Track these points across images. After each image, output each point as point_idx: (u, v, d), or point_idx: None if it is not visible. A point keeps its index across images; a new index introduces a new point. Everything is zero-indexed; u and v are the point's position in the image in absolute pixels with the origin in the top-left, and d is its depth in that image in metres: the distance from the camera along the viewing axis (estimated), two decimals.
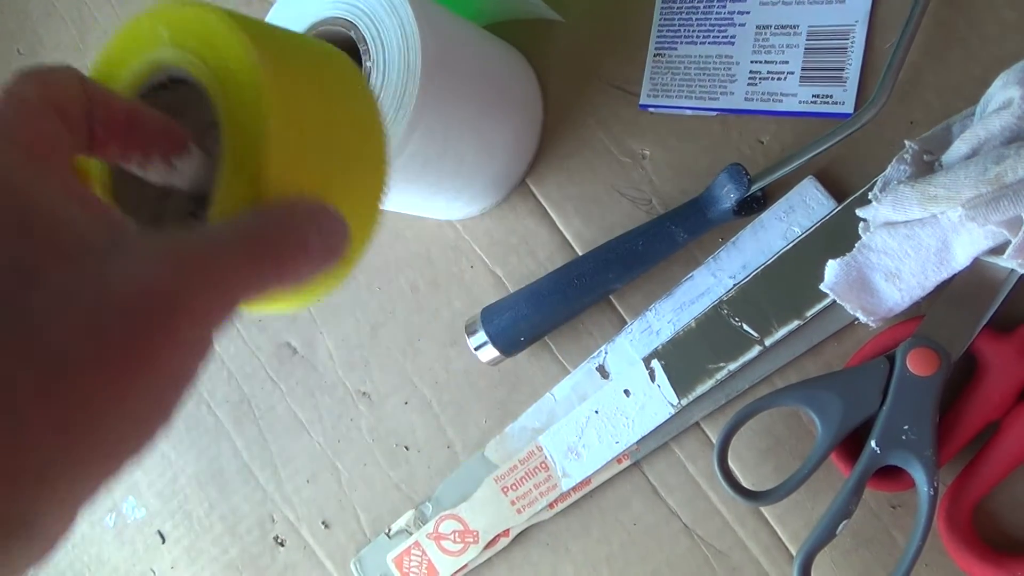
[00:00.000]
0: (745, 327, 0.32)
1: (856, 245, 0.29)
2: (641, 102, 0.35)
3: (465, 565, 0.37)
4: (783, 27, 0.33)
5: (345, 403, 0.42)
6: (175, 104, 0.23)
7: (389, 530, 0.40)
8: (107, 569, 0.50)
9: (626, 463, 0.35)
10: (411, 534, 0.39)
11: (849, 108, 0.31)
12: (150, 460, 0.48)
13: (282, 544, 0.44)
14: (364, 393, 0.42)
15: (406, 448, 0.40)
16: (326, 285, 0.23)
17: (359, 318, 0.42)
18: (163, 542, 0.48)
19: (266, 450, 0.45)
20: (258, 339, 0.45)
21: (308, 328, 0.43)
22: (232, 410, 0.46)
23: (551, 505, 0.36)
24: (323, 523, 0.42)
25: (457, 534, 0.38)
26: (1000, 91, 0.27)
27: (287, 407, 0.44)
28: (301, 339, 0.44)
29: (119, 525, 0.50)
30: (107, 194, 0.22)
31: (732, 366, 0.32)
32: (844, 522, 0.29)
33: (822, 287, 0.29)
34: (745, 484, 0.32)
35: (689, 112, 0.34)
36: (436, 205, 0.36)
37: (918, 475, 0.28)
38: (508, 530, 0.37)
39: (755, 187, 0.31)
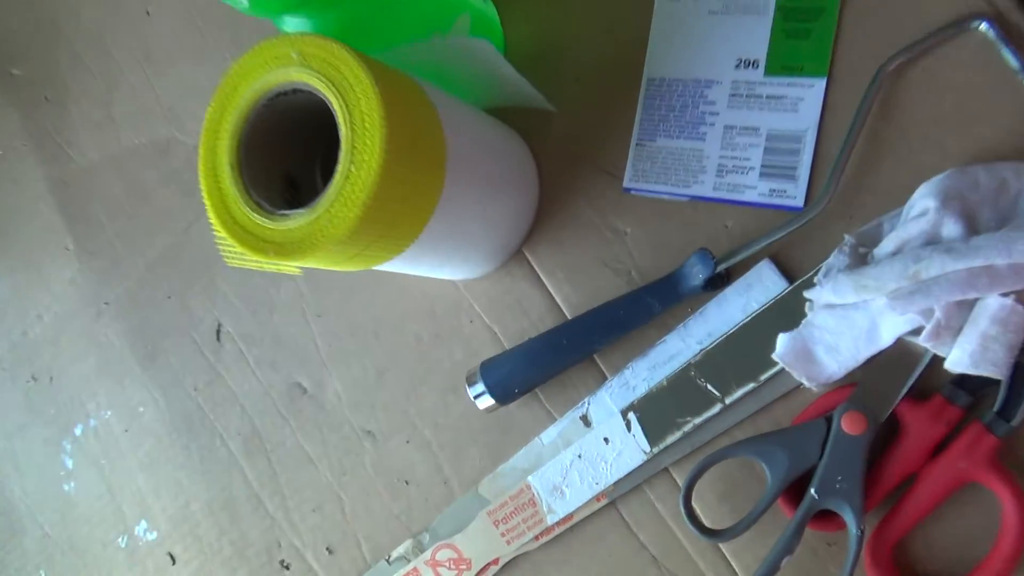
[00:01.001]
0: (709, 387, 0.37)
1: (803, 321, 0.35)
2: (624, 185, 0.40)
3: None
4: (747, 129, 0.38)
5: (351, 440, 0.47)
6: (292, 106, 0.33)
7: (389, 557, 0.44)
8: None
9: (604, 502, 0.39)
10: (409, 561, 0.43)
11: (800, 202, 0.37)
12: (163, 487, 0.52)
13: (287, 567, 0.48)
14: (369, 432, 0.46)
15: (406, 483, 0.45)
16: (391, 253, 0.34)
17: (366, 364, 0.46)
18: (173, 563, 0.52)
19: (275, 481, 0.49)
20: (271, 378, 0.49)
21: (318, 370, 0.48)
22: (244, 443, 0.50)
23: (536, 537, 0.40)
24: (327, 549, 0.47)
25: (452, 561, 0.42)
26: (920, 199, 0.33)
27: (296, 442, 0.48)
28: (311, 380, 0.48)
29: (131, 547, 0.53)
30: (235, 173, 0.32)
31: (697, 420, 0.37)
32: (787, 557, 0.34)
33: (774, 356, 0.35)
34: (706, 523, 0.37)
35: (665, 196, 0.39)
36: (442, 271, 0.41)
37: (849, 518, 0.33)
38: (498, 559, 0.41)
39: (720, 267, 0.36)
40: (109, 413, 0.55)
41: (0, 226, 0.61)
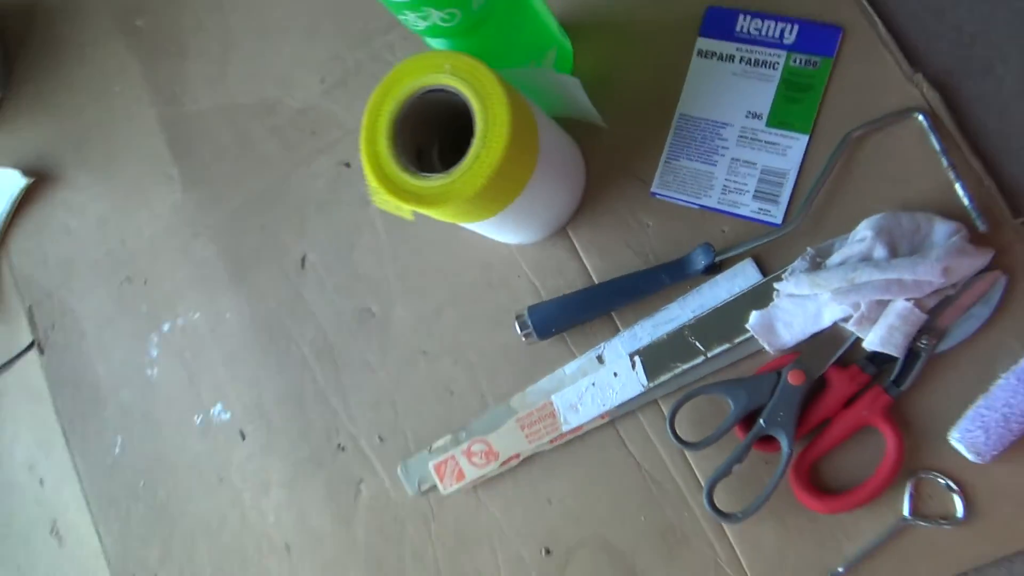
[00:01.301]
0: (696, 343, 0.51)
1: (770, 304, 0.49)
2: (652, 190, 0.54)
3: (485, 475, 0.55)
4: (747, 163, 0.52)
5: (407, 356, 0.59)
6: (433, 101, 0.45)
7: (431, 447, 0.57)
8: (189, 455, 0.65)
9: (606, 420, 0.53)
10: (448, 450, 0.56)
11: (779, 221, 0.51)
12: (241, 379, 0.64)
13: (343, 449, 0.60)
14: (424, 351, 0.59)
15: (451, 393, 0.58)
16: (489, 213, 0.46)
17: (428, 299, 0.59)
18: (243, 439, 0.64)
19: (339, 382, 0.61)
20: (345, 302, 0.62)
21: (387, 300, 0.61)
22: (316, 351, 0.62)
23: (552, 441, 0.54)
24: (379, 437, 0.59)
25: (483, 453, 0.55)
26: (862, 230, 0.47)
27: (361, 354, 0.61)
28: (380, 307, 0.61)
29: (205, 424, 0.65)
30: (390, 143, 0.44)
31: (685, 366, 0.51)
32: (737, 466, 0.48)
33: (747, 326, 0.49)
34: (685, 440, 0.51)
35: (681, 203, 0.53)
36: (508, 235, 0.54)
37: (783, 442, 0.47)
38: (519, 454, 0.55)
39: (717, 258, 0.50)
40: (197, 315, 0.66)
41: (111, 151, 0.72)
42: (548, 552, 0.54)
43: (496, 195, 0.45)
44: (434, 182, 0.43)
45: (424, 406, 0.58)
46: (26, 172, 0.73)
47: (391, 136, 0.45)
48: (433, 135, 0.49)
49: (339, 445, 0.61)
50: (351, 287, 0.62)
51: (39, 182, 0.73)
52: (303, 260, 0.63)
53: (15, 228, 0.74)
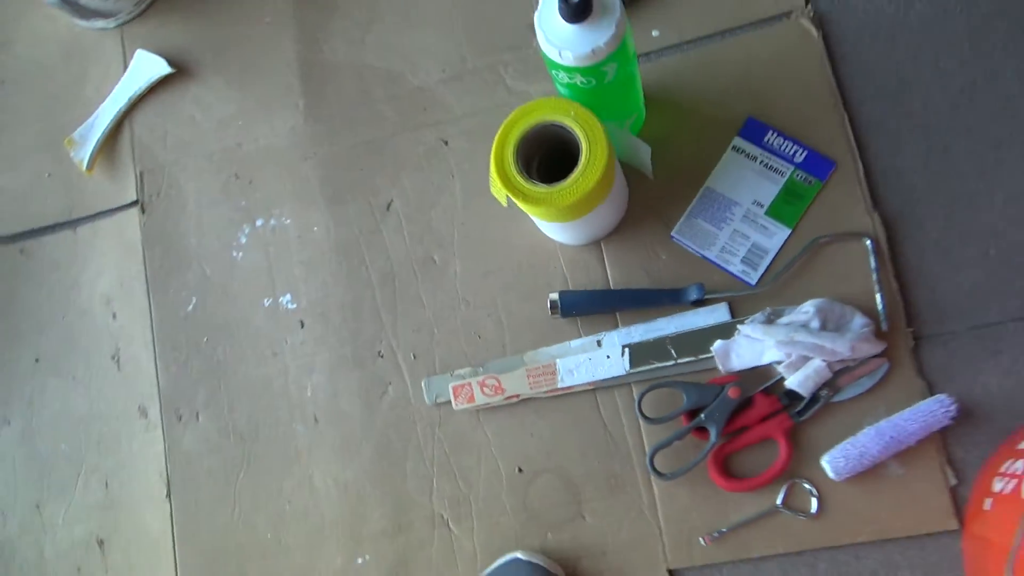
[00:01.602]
0: (672, 350, 0.70)
1: (731, 338, 0.68)
2: (672, 233, 0.73)
3: (489, 403, 0.73)
4: (743, 235, 0.71)
5: (452, 301, 0.77)
6: (546, 133, 0.61)
7: (453, 372, 0.75)
8: (251, 328, 0.81)
9: (590, 388, 0.72)
10: (465, 378, 0.74)
11: (754, 282, 0.70)
12: (312, 280, 0.80)
13: (382, 356, 0.77)
14: (466, 300, 0.76)
15: (479, 336, 0.75)
16: (567, 219, 0.63)
17: (480, 263, 0.77)
18: (302, 327, 0.80)
19: (393, 305, 0.78)
20: (415, 247, 0.78)
21: (449, 254, 0.78)
22: (381, 276, 0.79)
23: (547, 392, 0.72)
24: (413, 355, 0.77)
25: (493, 387, 0.73)
26: (807, 306, 0.67)
27: (416, 289, 0.78)
28: (441, 258, 0.78)
29: (272, 308, 0.81)
30: (514, 157, 0.60)
31: (659, 364, 0.70)
32: (676, 442, 0.67)
33: (711, 348, 0.68)
34: (647, 414, 0.70)
35: (690, 249, 0.72)
36: (557, 235, 0.72)
37: (712, 434, 0.67)
38: (519, 395, 0.73)
39: (704, 296, 0.70)
40: (288, 221, 0.82)
41: (248, 68, 0.86)
42: (520, 471, 0.73)
43: (577, 209, 0.62)
44: (540, 188, 0.61)
45: (455, 341, 0.76)
46: (170, 63, 0.87)
47: (516, 148, 0.62)
48: (538, 152, 0.66)
49: (379, 352, 0.78)
50: (422, 236, 0.79)
51: (178, 73, 0.88)
52: (389, 204, 0.80)
53: (146, 104, 0.88)
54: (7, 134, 0.92)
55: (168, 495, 0.80)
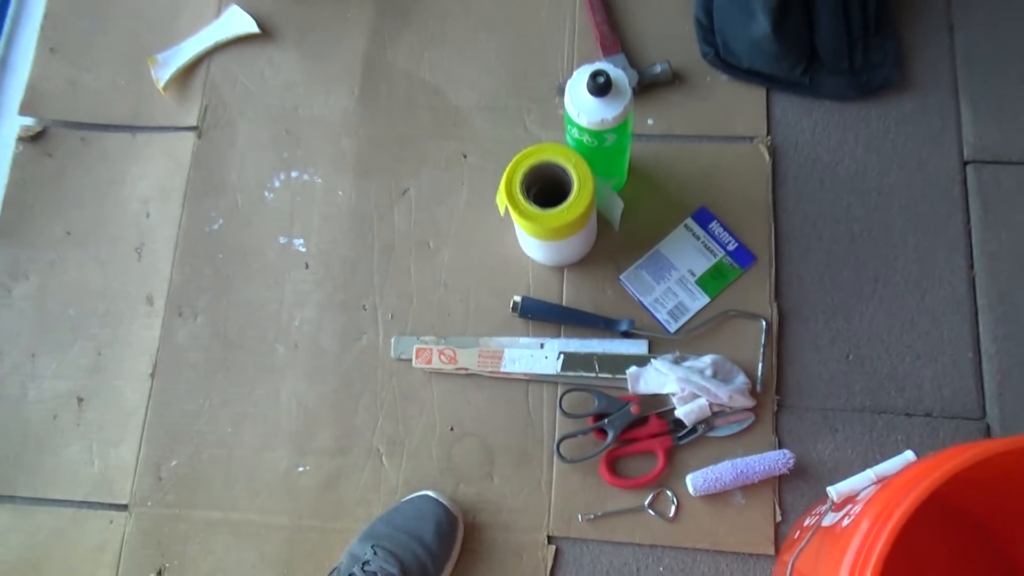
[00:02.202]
0: (596, 364, 0.87)
1: (645, 367, 0.86)
2: (620, 276, 0.91)
3: (442, 369, 0.89)
4: (674, 293, 0.90)
5: (436, 283, 0.93)
6: (551, 169, 0.78)
7: (419, 337, 0.91)
8: (262, 258, 0.96)
9: (525, 379, 0.89)
10: (429, 344, 0.90)
11: (672, 331, 0.89)
12: (324, 232, 0.96)
13: (365, 309, 0.93)
14: (446, 284, 0.93)
15: (448, 315, 0.92)
16: (549, 239, 0.81)
17: (466, 257, 0.93)
18: (306, 268, 0.95)
19: (386, 272, 0.94)
20: (417, 230, 0.95)
21: (442, 242, 0.94)
22: (382, 245, 0.95)
23: (490, 372, 0.89)
24: (391, 315, 0.92)
25: (449, 357, 0.90)
26: (706, 357, 0.85)
27: (408, 265, 0.94)
28: (435, 244, 0.94)
29: (284, 246, 0.96)
30: (521, 187, 0.77)
31: (583, 373, 0.87)
32: (580, 436, 0.85)
33: (626, 371, 0.86)
34: (565, 409, 0.87)
35: (631, 292, 0.90)
36: (534, 252, 0.90)
37: (610, 436, 0.84)
38: (468, 368, 0.89)
39: (631, 330, 0.88)
40: (319, 180, 0.98)
41: (322, 48, 1.03)
42: (452, 429, 0.89)
43: (557, 232, 0.80)
44: (534, 209, 0.79)
45: (428, 313, 0.92)
46: (257, 24, 1.03)
47: (524, 174, 0.79)
48: (537, 182, 0.84)
49: (364, 306, 0.93)
50: (424, 223, 0.95)
51: (261, 34, 1.03)
52: (405, 191, 0.97)
53: (226, 50, 1.04)
54: (98, 38, 1.06)
55: (152, 375, 0.93)
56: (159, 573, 0.87)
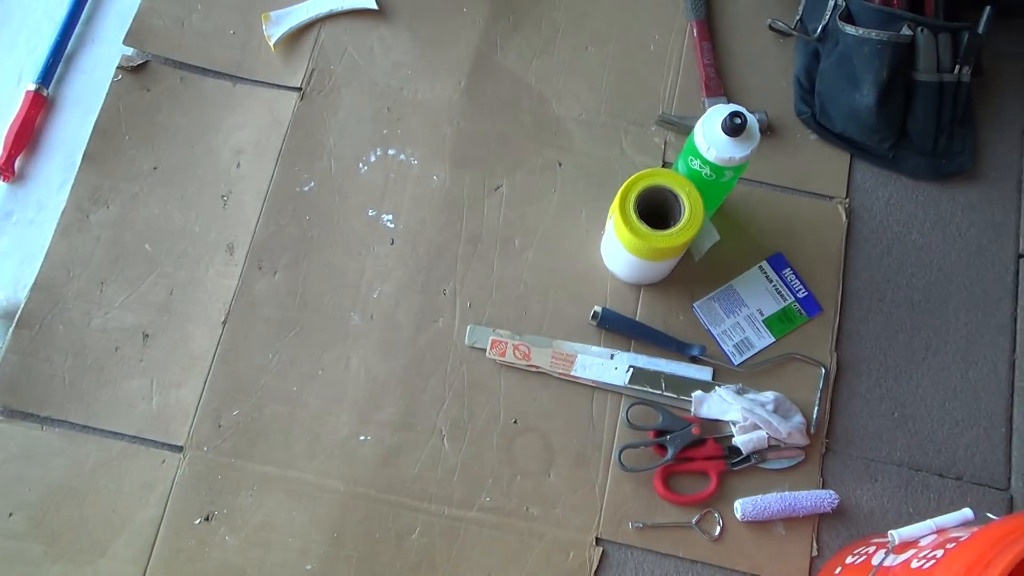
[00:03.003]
0: (663, 383, 0.92)
1: (708, 393, 0.91)
2: (694, 304, 0.96)
3: (514, 363, 0.92)
4: (741, 328, 0.95)
5: (517, 280, 0.96)
6: (663, 194, 0.82)
7: (495, 329, 0.94)
8: (348, 226, 0.97)
9: (593, 385, 0.92)
10: (505, 339, 0.93)
11: (736, 363, 0.93)
12: (415, 214, 0.98)
13: (444, 294, 0.95)
14: (526, 282, 0.96)
15: (525, 312, 0.95)
16: (649, 258, 0.85)
17: (550, 259, 0.97)
18: (392, 244, 0.97)
19: (469, 262, 0.97)
20: (506, 228, 0.98)
21: (528, 241, 0.97)
22: (469, 235, 0.97)
23: (560, 374, 0.92)
24: (469, 303, 0.95)
25: (523, 353, 0.92)
26: (768, 394, 0.91)
27: (492, 259, 0.97)
28: (521, 243, 0.97)
29: (372, 220, 0.98)
30: (635, 208, 0.81)
31: (649, 389, 0.91)
32: (643, 447, 0.89)
33: (692, 394, 0.91)
34: (631, 420, 0.91)
35: (701, 320, 0.95)
36: (618, 266, 0.94)
37: (670, 452, 0.88)
38: (539, 367, 0.92)
39: (701, 355, 0.92)
40: (416, 162, 1.00)
41: (432, 34, 1.05)
42: (515, 423, 0.92)
43: (660, 255, 0.84)
44: (646, 229, 0.83)
45: (506, 308, 0.95)
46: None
47: (636, 196, 0.83)
48: (640, 203, 0.88)
49: (443, 290, 0.96)
50: (514, 221, 0.98)
51: (376, 12, 1.05)
52: (498, 187, 1.00)
53: (339, 20, 1.05)
54: None
55: (224, 322, 0.94)
56: (207, 518, 0.87)
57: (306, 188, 0.99)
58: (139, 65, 1.02)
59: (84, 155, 0.99)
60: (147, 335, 0.93)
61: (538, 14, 1.07)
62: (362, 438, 0.90)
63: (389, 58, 1.04)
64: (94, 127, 1.00)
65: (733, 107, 0.79)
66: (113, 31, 1.05)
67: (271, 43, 1.02)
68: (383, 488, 0.89)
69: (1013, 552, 0.55)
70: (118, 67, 1.02)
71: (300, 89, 1.02)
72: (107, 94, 1.01)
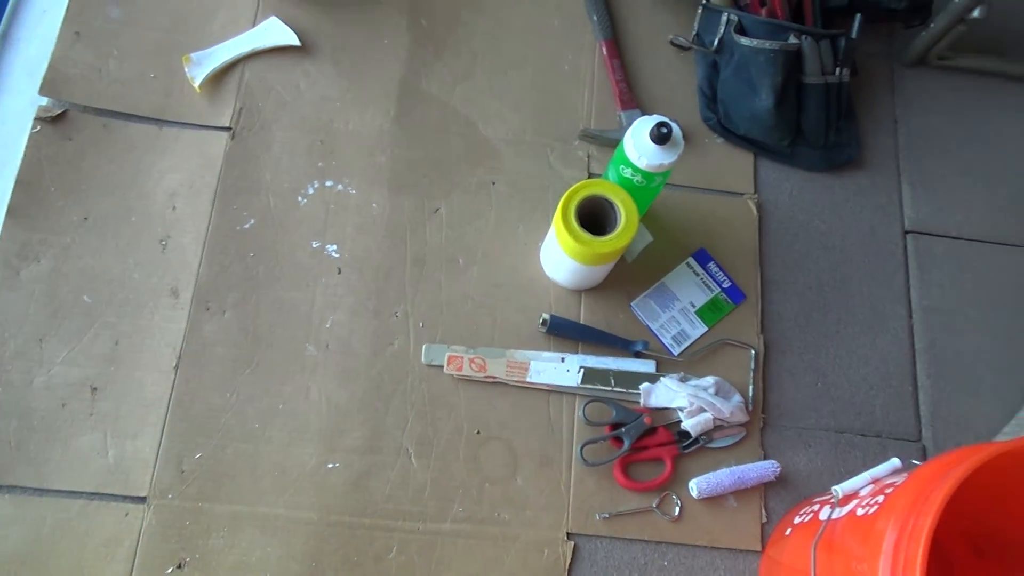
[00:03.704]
0: (612, 380, 0.98)
1: (656, 383, 0.98)
2: (631, 303, 1.02)
3: (471, 376, 0.96)
4: (677, 321, 1.03)
5: (465, 296, 1.00)
6: (598, 202, 0.88)
7: (449, 346, 0.97)
8: (294, 260, 0.98)
9: (548, 390, 0.97)
10: (460, 353, 0.97)
11: (676, 353, 1.01)
12: (359, 242, 1.00)
13: (397, 316, 0.98)
14: (474, 298, 1.00)
15: (476, 327, 0.99)
16: (587, 263, 0.91)
17: (492, 276, 1.01)
18: (339, 273, 0.99)
19: (418, 282, 1.00)
20: (448, 248, 1.02)
21: (471, 260, 1.01)
22: (414, 258, 1.01)
23: (516, 381, 0.97)
24: (422, 323, 0.98)
25: (479, 365, 0.96)
26: (709, 379, 0.98)
27: (439, 278, 1.00)
28: (464, 261, 1.01)
29: (317, 251, 0.99)
30: (575, 216, 0.86)
31: (600, 387, 0.97)
32: (601, 441, 0.94)
33: (639, 386, 0.97)
34: (587, 417, 0.96)
35: (640, 318, 1.02)
36: (560, 274, 0.99)
37: (626, 444, 0.94)
38: (496, 376, 0.96)
39: (644, 350, 0.99)
40: (354, 191, 1.03)
41: (358, 66, 1.08)
42: (478, 433, 0.95)
43: (602, 259, 0.90)
44: (588, 236, 0.88)
45: (457, 324, 0.99)
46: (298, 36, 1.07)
47: (576, 207, 0.89)
48: (585, 215, 0.94)
49: (396, 313, 0.98)
50: (455, 241, 1.02)
51: (299, 48, 1.07)
52: (437, 210, 1.03)
53: (262, 58, 1.07)
54: (129, 29, 1.05)
55: (176, 367, 0.93)
56: (180, 566, 0.86)
57: (247, 225, 0.99)
58: (58, 115, 1.00)
59: (7, 210, 0.96)
60: (95, 388, 0.91)
61: (456, 42, 1.12)
62: (330, 465, 0.92)
63: (316, 92, 1.07)
64: (16, 181, 0.97)
65: (659, 118, 0.86)
66: (22, 82, 1.02)
67: (195, 84, 1.02)
68: (356, 512, 0.91)
69: (947, 485, 0.64)
70: (36, 118, 0.99)
71: (230, 128, 1.03)
72: (26, 146, 0.98)
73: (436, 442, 0.94)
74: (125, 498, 0.88)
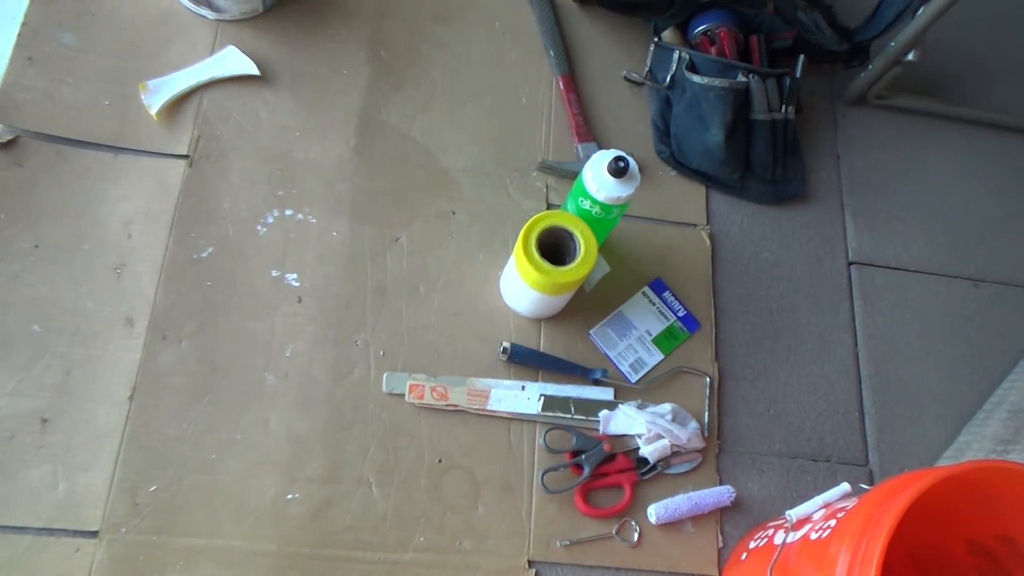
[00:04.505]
0: (572, 407, 0.99)
1: (614, 411, 0.99)
2: (590, 332, 1.04)
3: (432, 404, 0.96)
4: (634, 349, 1.05)
5: (426, 325, 1.00)
6: (558, 233, 0.90)
7: (410, 374, 0.97)
8: (254, 288, 0.98)
9: (508, 417, 0.98)
10: (422, 382, 0.97)
11: (633, 381, 1.03)
12: (319, 272, 1.00)
13: (357, 345, 0.98)
14: (435, 327, 1.00)
15: (437, 355, 0.99)
16: (547, 292, 0.92)
17: (454, 303, 1.02)
18: (299, 302, 0.98)
19: (379, 312, 1.00)
20: (409, 276, 1.02)
21: (432, 288, 1.02)
22: (375, 287, 1.01)
23: (477, 409, 0.97)
24: (382, 352, 0.98)
25: (440, 394, 0.97)
26: (666, 405, 1.00)
27: (400, 307, 1.01)
28: (425, 290, 1.02)
29: (276, 280, 0.99)
30: (536, 247, 0.88)
31: (560, 414, 0.98)
32: (562, 469, 0.95)
33: (598, 414, 0.99)
34: (548, 445, 0.97)
35: (598, 345, 1.04)
36: (520, 303, 1.01)
37: (586, 471, 0.95)
38: (457, 405, 0.97)
39: (602, 378, 1.01)
40: (314, 220, 1.03)
41: (317, 98, 1.09)
42: (440, 461, 0.95)
43: (561, 288, 0.92)
44: (549, 266, 0.90)
45: (418, 353, 0.99)
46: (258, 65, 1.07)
47: (535, 244, 0.91)
48: (544, 246, 0.96)
49: (356, 342, 0.98)
50: (416, 270, 1.03)
51: (258, 77, 1.07)
52: (398, 239, 1.04)
53: (221, 87, 1.06)
54: (83, 56, 1.04)
55: (131, 397, 0.91)
56: None
57: (204, 254, 0.98)
58: (9, 140, 0.98)
59: None
60: (45, 420, 0.89)
61: (416, 74, 1.13)
62: (289, 496, 0.91)
63: (275, 121, 1.07)
64: None
65: (615, 152, 0.88)
66: None
67: (152, 112, 1.01)
68: (316, 543, 0.90)
69: (895, 510, 0.67)
70: None
71: (187, 156, 1.02)
72: None
73: (397, 471, 0.94)
74: (76, 533, 0.85)
